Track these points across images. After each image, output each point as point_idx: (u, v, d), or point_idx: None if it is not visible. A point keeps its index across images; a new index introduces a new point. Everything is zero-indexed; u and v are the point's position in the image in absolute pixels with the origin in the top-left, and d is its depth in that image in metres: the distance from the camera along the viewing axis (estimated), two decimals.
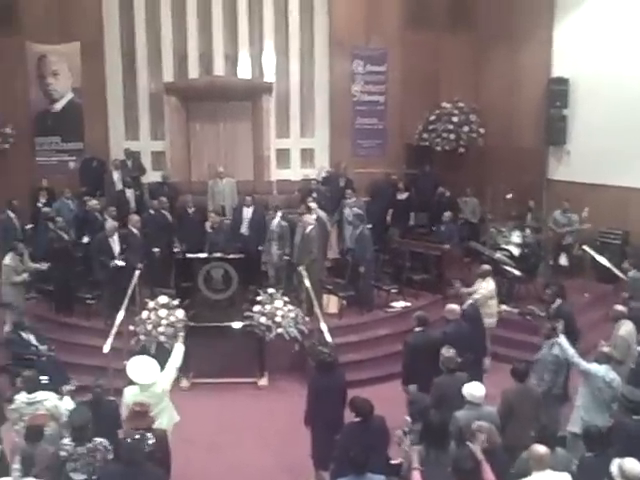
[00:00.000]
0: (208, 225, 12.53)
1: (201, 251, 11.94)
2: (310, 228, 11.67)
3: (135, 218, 12.27)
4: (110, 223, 11.87)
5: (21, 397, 7.24)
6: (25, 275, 11.28)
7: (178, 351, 8.14)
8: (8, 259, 11.26)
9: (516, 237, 12.95)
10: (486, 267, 10.98)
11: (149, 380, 7.37)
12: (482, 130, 15.51)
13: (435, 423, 6.27)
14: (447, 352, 7.67)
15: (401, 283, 12.57)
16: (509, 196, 14.07)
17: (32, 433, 6.40)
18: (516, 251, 12.75)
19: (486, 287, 10.65)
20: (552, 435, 6.42)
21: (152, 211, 13.04)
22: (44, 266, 11.58)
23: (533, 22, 14.98)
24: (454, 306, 9.22)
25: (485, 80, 16.00)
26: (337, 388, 7.57)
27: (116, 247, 11.58)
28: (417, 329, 8.87)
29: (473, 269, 12.54)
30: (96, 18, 15.50)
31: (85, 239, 12.50)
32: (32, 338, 9.91)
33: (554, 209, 13.84)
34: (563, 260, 13.37)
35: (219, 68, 16.14)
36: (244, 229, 13.01)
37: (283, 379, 10.71)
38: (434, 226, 14.01)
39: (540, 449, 5.82)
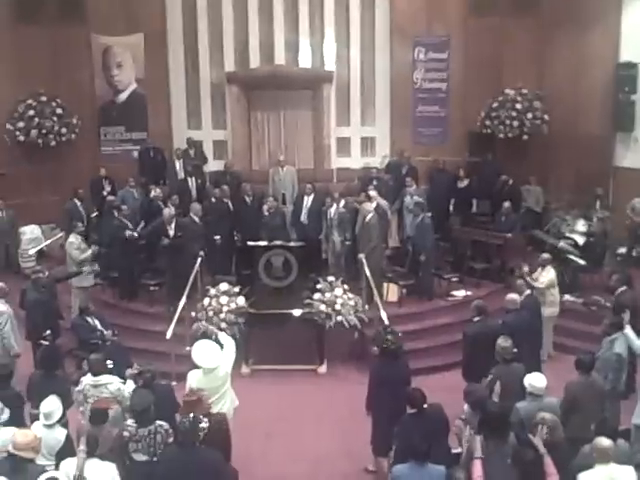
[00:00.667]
0: (265, 208, 12.60)
1: (258, 239, 12.04)
2: (370, 216, 11.64)
3: (197, 207, 12.41)
4: (167, 210, 12.01)
5: (87, 379, 7.44)
6: (89, 252, 11.55)
7: (226, 336, 8.21)
8: (72, 237, 11.60)
9: (581, 226, 12.69)
10: (546, 255, 10.81)
11: (213, 364, 7.46)
12: (546, 117, 15.16)
13: (494, 413, 6.21)
14: (504, 342, 7.56)
15: (462, 272, 12.46)
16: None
17: (96, 416, 6.58)
18: (581, 240, 12.48)
19: (546, 276, 10.50)
20: (613, 429, 6.29)
21: (213, 199, 13.17)
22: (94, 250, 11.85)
23: (600, 6, 14.53)
24: (514, 296, 9.10)
25: (550, 66, 15.60)
26: (400, 376, 7.53)
27: (172, 233, 11.73)
28: (476, 319, 8.79)
29: (536, 258, 12.34)
30: (159, 9, 15.71)
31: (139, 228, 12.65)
32: (97, 323, 10.12)
33: (621, 197, 13.49)
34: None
35: (280, 57, 16.16)
36: (303, 217, 13.04)
37: (342, 367, 10.73)
38: (496, 215, 13.80)
39: (604, 442, 5.71)
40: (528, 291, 9.57)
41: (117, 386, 7.38)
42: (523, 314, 8.84)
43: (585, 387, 7.13)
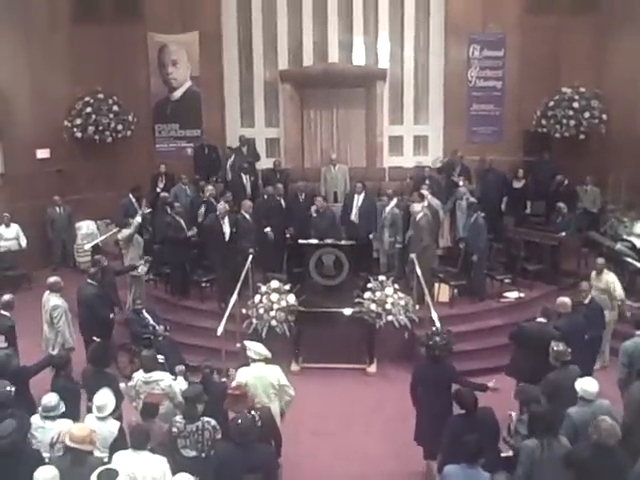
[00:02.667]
0: (313, 209, 12.60)
1: (309, 237, 12.05)
2: (420, 216, 11.54)
3: (248, 204, 12.45)
4: (221, 205, 12.04)
5: (139, 375, 7.54)
6: (137, 218, 11.76)
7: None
8: (125, 232, 11.75)
9: (639, 228, 12.40)
10: (601, 260, 10.54)
11: (268, 353, 7.54)
12: (604, 116, 14.85)
13: (540, 413, 6.22)
14: (557, 346, 7.43)
15: (515, 273, 12.26)
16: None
17: (147, 410, 6.68)
18: (639, 242, 12.21)
19: (615, 279, 10.25)
20: None
21: (265, 196, 13.23)
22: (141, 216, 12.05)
23: None
24: (566, 299, 8.91)
25: (608, 65, 15.26)
26: (443, 378, 7.45)
27: (227, 229, 11.76)
28: (538, 319, 8.62)
29: (590, 260, 12.13)
30: (214, 8, 15.85)
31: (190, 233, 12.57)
32: (150, 318, 10.26)
33: None
34: None
35: (333, 56, 16.14)
36: (354, 216, 13.00)
37: (392, 367, 10.66)
38: (551, 215, 13.57)
39: None
40: (590, 297, 9.34)
41: (168, 382, 7.46)
42: (577, 318, 8.67)
43: None
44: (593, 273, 10.45)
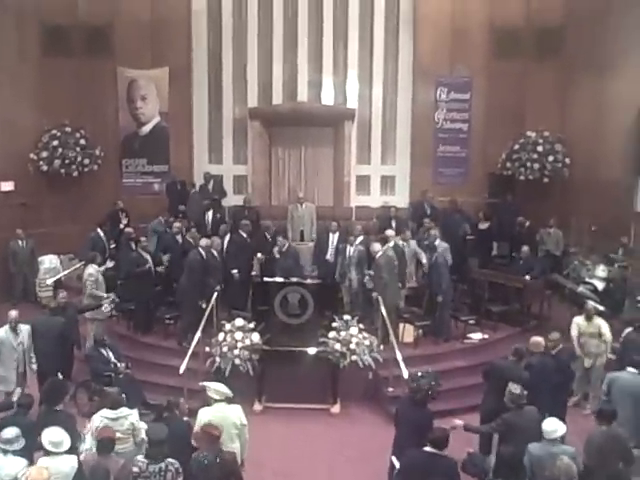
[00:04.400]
0: (275, 249, 12.57)
1: (274, 275, 12.02)
2: (379, 255, 11.56)
3: (216, 241, 12.40)
4: (204, 240, 11.96)
5: (104, 413, 7.31)
6: (112, 296, 11.60)
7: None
8: (91, 269, 11.58)
9: (601, 271, 12.57)
10: (589, 306, 10.57)
11: (228, 392, 7.46)
12: (567, 160, 15.13)
13: (509, 455, 6.23)
14: (514, 389, 7.40)
15: (479, 314, 12.31)
16: (594, 228, 13.71)
17: (103, 445, 6.51)
18: (600, 285, 12.37)
19: (604, 323, 10.31)
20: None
21: (229, 235, 13.11)
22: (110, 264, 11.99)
23: (623, 50, 14.51)
24: (539, 339, 8.94)
25: (572, 109, 15.62)
26: (421, 423, 7.34)
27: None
28: (510, 358, 8.62)
29: (554, 302, 12.22)
30: (185, 44, 15.98)
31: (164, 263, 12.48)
32: (111, 355, 10.08)
33: None
34: None
35: (303, 94, 16.33)
36: (329, 255, 12.98)
37: (356, 407, 10.58)
38: (515, 257, 13.70)
39: None
40: (559, 348, 9.34)
41: (136, 417, 7.35)
42: (546, 359, 8.69)
43: (607, 438, 7.01)
44: (579, 319, 10.38)
